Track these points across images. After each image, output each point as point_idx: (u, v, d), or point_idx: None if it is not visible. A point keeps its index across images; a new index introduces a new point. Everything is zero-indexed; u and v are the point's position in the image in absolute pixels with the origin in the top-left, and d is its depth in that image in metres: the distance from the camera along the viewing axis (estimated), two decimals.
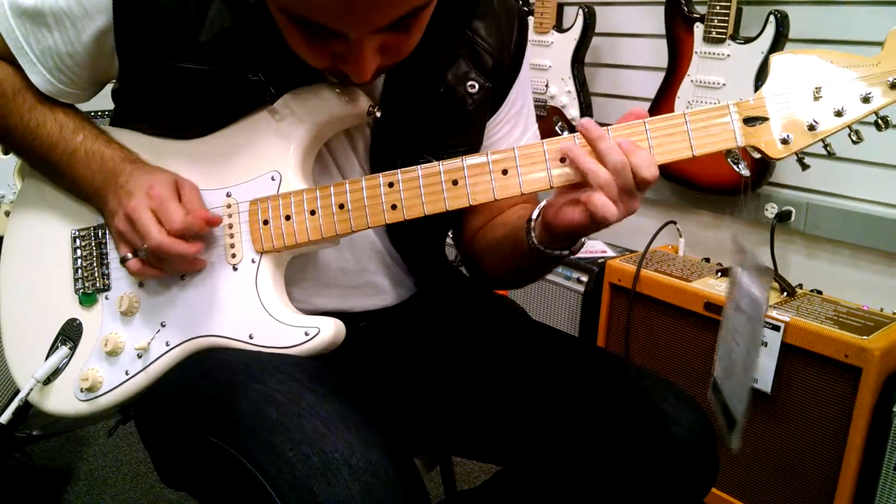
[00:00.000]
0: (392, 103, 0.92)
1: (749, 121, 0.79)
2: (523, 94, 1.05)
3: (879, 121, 0.78)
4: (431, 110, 0.94)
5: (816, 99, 0.78)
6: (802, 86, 0.78)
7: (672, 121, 0.80)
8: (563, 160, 0.81)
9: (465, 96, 0.95)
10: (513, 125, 1.05)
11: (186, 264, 0.89)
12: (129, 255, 0.88)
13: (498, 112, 1.02)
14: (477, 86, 0.95)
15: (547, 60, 2.14)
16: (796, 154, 0.80)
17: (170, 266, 0.88)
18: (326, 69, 0.82)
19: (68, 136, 0.92)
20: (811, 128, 0.78)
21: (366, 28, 0.73)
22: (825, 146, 0.81)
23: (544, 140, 0.82)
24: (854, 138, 0.79)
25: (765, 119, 0.79)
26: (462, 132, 0.98)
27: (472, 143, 1.00)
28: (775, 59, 0.80)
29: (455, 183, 0.83)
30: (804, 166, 0.83)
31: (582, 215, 0.79)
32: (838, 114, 0.77)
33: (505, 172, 0.82)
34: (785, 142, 0.79)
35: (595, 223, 0.79)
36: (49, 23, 0.86)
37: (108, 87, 0.98)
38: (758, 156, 0.81)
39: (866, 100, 0.77)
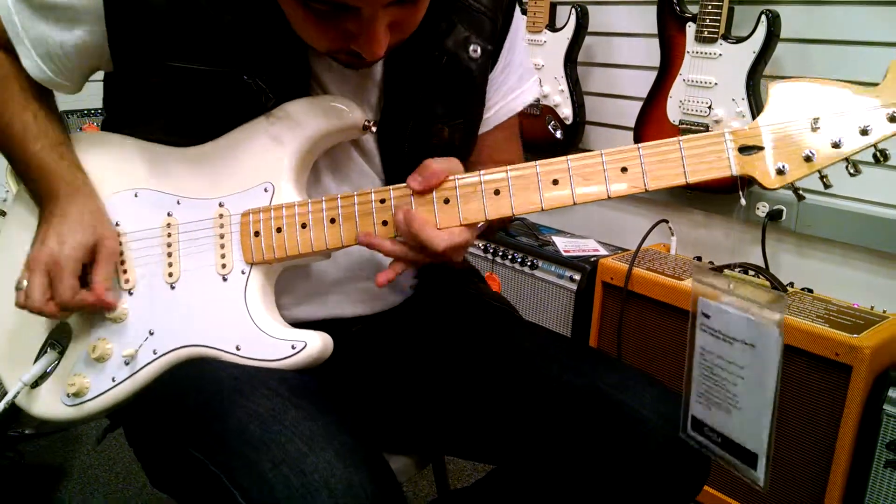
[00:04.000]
0: (396, 78, 0.92)
1: (744, 149, 0.78)
2: (516, 42, 1.05)
3: (878, 153, 0.76)
4: (436, 80, 0.94)
5: (814, 130, 0.76)
6: (800, 116, 0.77)
7: (666, 147, 0.79)
8: (555, 182, 0.81)
9: (468, 61, 0.95)
10: (507, 73, 1.05)
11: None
12: (24, 284, 0.88)
13: (495, 67, 1.03)
14: (479, 49, 0.96)
15: (540, 59, 2.13)
16: (791, 185, 0.79)
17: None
18: (335, 51, 0.82)
19: (30, 139, 0.91)
20: (807, 159, 0.77)
21: (379, 1, 0.73)
22: (822, 178, 0.79)
23: (537, 162, 0.82)
24: (852, 171, 0.77)
25: (760, 148, 0.78)
26: (469, 96, 0.99)
27: (479, 105, 1.02)
28: (774, 87, 0.78)
29: (447, 202, 0.84)
30: (800, 197, 0.81)
31: None
32: (836, 146, 0.76)
33: (497, 192, 0.83)
34: (780, 172, 0.77)
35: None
36: (44, 11, 0.87)
37: (101, 91, 0.98)
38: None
39: (865, 132, 0.75)
